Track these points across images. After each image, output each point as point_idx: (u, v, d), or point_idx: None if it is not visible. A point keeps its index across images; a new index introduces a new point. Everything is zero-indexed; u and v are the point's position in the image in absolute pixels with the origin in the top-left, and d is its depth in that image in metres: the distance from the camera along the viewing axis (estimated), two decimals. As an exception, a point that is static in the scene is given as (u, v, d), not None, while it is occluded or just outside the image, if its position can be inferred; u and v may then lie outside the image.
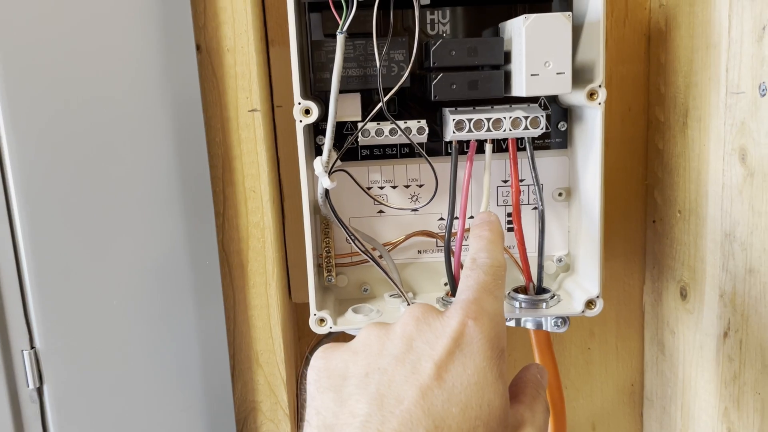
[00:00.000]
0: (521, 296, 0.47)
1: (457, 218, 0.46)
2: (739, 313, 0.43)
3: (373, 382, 0.28)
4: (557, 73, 0.41)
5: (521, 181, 0.49)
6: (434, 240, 0.50)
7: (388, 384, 0.28)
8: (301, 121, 0.42)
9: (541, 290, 0.47)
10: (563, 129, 0.48)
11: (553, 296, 0.47)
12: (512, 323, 0.48)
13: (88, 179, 0.40)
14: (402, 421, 0.26)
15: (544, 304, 0.46)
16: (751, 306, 0.41)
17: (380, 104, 0.42)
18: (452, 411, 0.27)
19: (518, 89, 0.42)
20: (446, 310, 0.31)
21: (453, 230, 0.46)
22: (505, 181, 0.49)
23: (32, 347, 0.42)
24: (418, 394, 0.27)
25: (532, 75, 0.41)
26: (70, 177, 0.40)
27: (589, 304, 0.45)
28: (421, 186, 0.49)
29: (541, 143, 0.48)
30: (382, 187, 0.49)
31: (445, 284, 0.50)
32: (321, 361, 0.30)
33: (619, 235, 0.56)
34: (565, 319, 0.47)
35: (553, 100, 0.47)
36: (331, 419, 0.28)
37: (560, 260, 0.50)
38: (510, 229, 0.50)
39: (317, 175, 0.42)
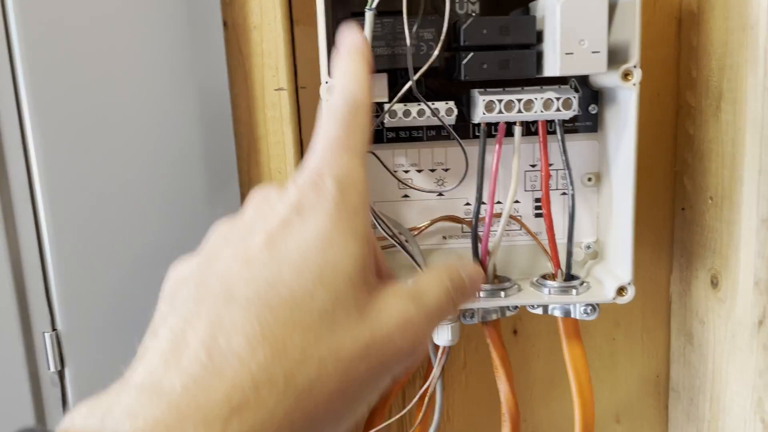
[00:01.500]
0: (550, 283, 0.46)
1: (484, 203, 0.45)
2: (777, 300, 0.42)
3: (196, 264, 0.25)
4: (592, 52, 0.40)
5: (550, 165, 0.48)
6: (460, 226, 0.49)
7: (209, 263, 0.24)
8: (327, 101, 0.41)
9: (569, 277, 0.46)
10: (594, 112, 0.47)
11: (583, 283, 0.46)
12: (539, 310, 0.47)
13: (111, 160, 0.39)
14: (221, 297, 0.22)
15: (574, 291, 0.45)
16: (790, 293, 0.40)
17: (409, 83, 0.41)
18: (283, 277, 0.22)
19: (552, 69, 0.41)
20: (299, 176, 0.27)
21: (480, 215, 0.45)
22: (533, 166, 0.48)
23: (54, 329, 0.41)
24: (241, 266, 0.23)
25: (566, 54, 0.40)
26: (93, 158, 0.39)
27: (621, 290, 0.44)
28: (446, 170, 0.48)
29: (570, 127, 0.47)
30: (407, 171, 0.48)
31: (471, 271, 0.49)
32: (168, 281, 0.26)
33: (646, 223, 0.55)
34: (594, 307, 0.46)
35: (583, 82, 0.46)
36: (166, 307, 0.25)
37: (588, 247, 0.49)
38: (538, 215, 0.49)
39: (345, 155, 0.41)
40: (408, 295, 0.25)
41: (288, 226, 0.24)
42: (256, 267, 0.23)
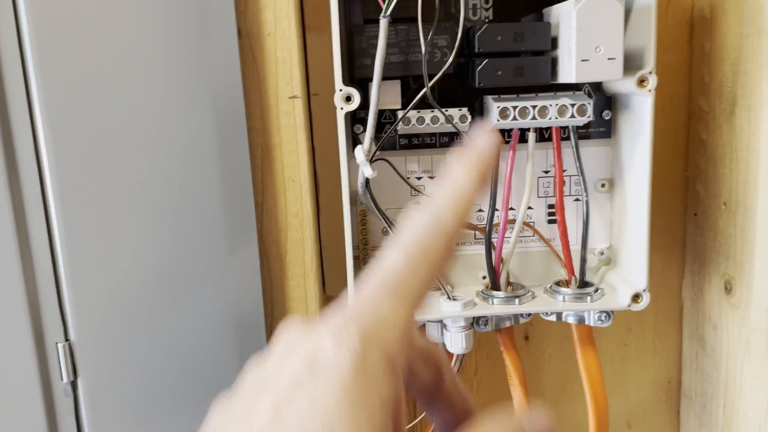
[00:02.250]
0: (564, 290, 0.45)
1: (497, 210, 0.45)
2: (794, 307, 0.42)
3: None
4: (608, 59, 0.40)
5: (563, 171, 0.47)
6: (472, 232, 0.49)
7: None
8: (342, 108, 0.40)
9: (584, 284, 0.46)
10: (607, 118, 0.47)
11: (597, 290, 0.45)
12: (553, 317, 0.47)
13: (125, 169, 0.39)
14: None
15: (589, 297, 0.45)
16: (807, 300, 0.40)
17: (424, 89, 0.40)
18: None
19: (567, 75, 0.40)
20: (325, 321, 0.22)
21: (494, 222, 0.45)
22: (546, 172, 0.48)
23: (66, 339, 0.41)
24: None
25: (582, 60, 0.39)
26: (107, 167, 0.39)
27: (636, 297, 0.44)
28: (459, 176, 0.47)
29: (583, 133, 0.47)
30: (419, 178, 0.47)
31: (483, 277, 0.48)
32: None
33: (658, 229, 0.55)
34: (609, 314, 0.45)
35: (597, 88, 0.46)
36: None
37: (602, 253, 0.49)
38: (551, 222, 0.48)
39: (359, 163, 0.40)
40: None
41: (297, 389, 0.21)
42: None
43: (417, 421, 0.50)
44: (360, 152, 0.40)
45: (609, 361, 0.57)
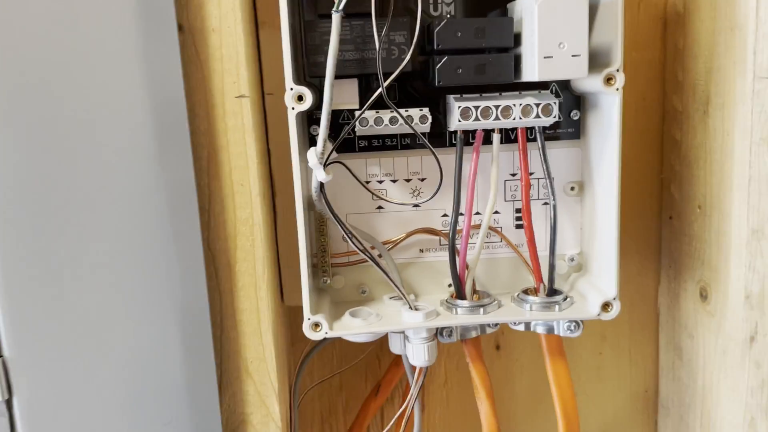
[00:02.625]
0: (532, 298, 0.43)
1: (462, 215, 0.43)
2: (769, 315, 0.40)
3: None
4: (572, 56, 0.38)
5: (530, 174, 0.45)
6: (437, 238, 0.46)
7: None
8: (293, 108, 0.38)
9: (552, 291, 0.44)
10: (576, 118, 0.45)
11: (566, 298, 0.43)
12: (521, 327, 0.45)
13: (60, 171, 0.37)
14: None
15: (557, 306, 0.43)
16: (783, 308, 0.38)
17: (380, 89, 0.38)
18: None
19: (530, 73, 0.38)
20: None
21: (458, 227, 0.43)
22: (513, 175, 0.46)
23: (0, 355, 0.38)
24: None
25: (545, 57, 0.37)
26: (41, 169, 0.37)
27: (606, 306, 0.42)
28: (423, 180, 0.45)
29: (551, 134, 0.45)
30: (381, 181, 0.45)
31: (449, 285, 0.46)
32: None
33: (632, 233, 0.53)
34: (578, 323, 0.43)
35: (564, 86, 0.44)
36: None
37: (572, 259, 0.47)
38: (519, 227, 0.46)
39: (311, 167, 0.38)
40: None
41: None
42: None
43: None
44: (312, 155, 0.38)
45: (584, 370, 0.55)
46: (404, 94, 0.44)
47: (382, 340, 0.53)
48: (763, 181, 0.39)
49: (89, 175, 0.37)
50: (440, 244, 0.47)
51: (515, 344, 0.54)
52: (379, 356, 0.53)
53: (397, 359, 0.51)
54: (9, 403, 0.39)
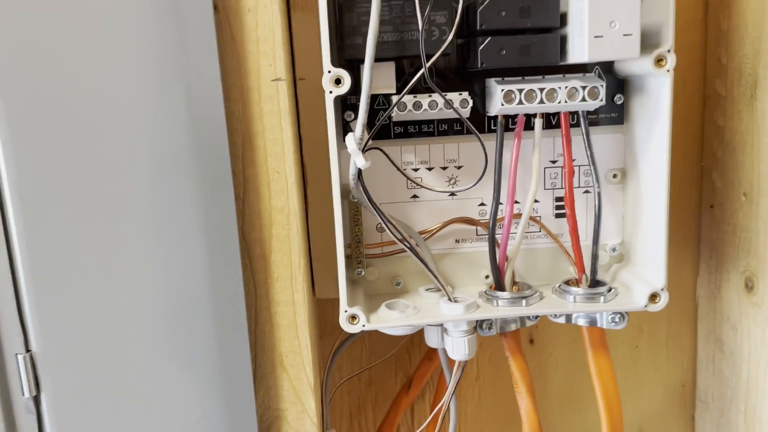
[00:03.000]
0: (575, 290, 0.42)
1: (501, 204, 0.41)
2: (827, 306, 0.38)
3: None
4: (624, 35, 0.36)
5: (573, 161, 0.44)
6: (474, 228, 0.45)
7: None
8: (331, 92, 0.37)
9: (595, 283, 0.42)
10: (619, 102, 0.43)
11: (611, 289, 0.42)
12: (562, 320, 0.44)
13: (90, 162, 0.35)
14: None
15: (602, 298, 0.41)
16: (843, 298, 0.37)
17: (421, 71, 0.37)
18: None
19: (578, 54, 0.37)
20: None
21: (497, 216, 0.42)
22: (553, 162, 0.44)
23: (27, 350, 0.37)
24: None
25: (595, 37, 0.36)
26: (69, 161, 0.35)
27: (653, 297, 0.40)
28: (459, 168, 0.44)
29: (593, 119, 0.43)
30: (416, 169, 0.44)
31: (486, 277, 0.45)
32: None
33: (671, 222, 0.51)
34: (623, 315, 0.42)
35: (608, 70, 0.42)
36: None
37: (614, 249, 0.45)
38: (559, 216, 0.45)
39: (350, 153, 0.37)
40: None
41: None
42: None
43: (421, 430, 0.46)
44: (351, 140, 0.36)
45: (619, 364, 0.53)
46: (440, 78, 0.42)
47: (413, 335, 0.52)
48: (821, 166, 0.37)
49: (123, 162, 0.35)
50: (477, 234, 0.45)
51: (549, 338, 0.53)
52: (409, 351, 0.52)
53: (430, 353, 0.49)
54: (37, 400, 0.38)
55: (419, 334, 0.44)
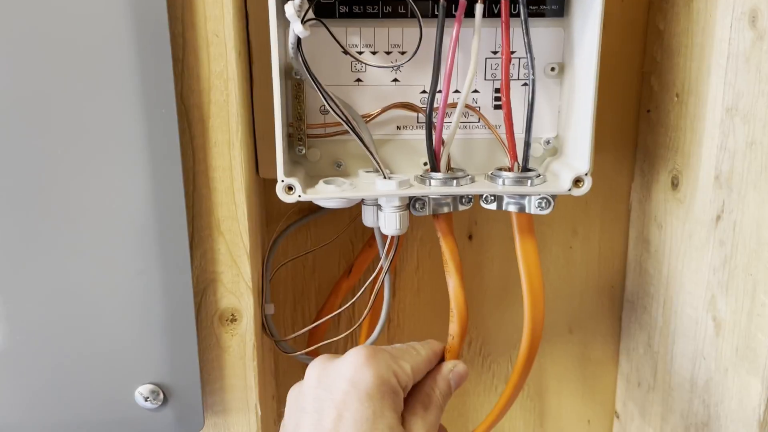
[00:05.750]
0: (505, 173, 0.43)
1: (440, 92, 0.43)
2: (736, 192, 0.40)
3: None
4: None
5: (512, 53, 0.45)
6: (415, 116, 0.46)
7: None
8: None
9: (526, 170, 0.44)
10: (560, -6, 0.44)
11: (539, 175, 0.44)
12: (493, 206, 0.45)
13: (27, 29, 0.36)
14: None
15: (529, 181, 0.43)
16: (750, 182, 0.39)
17: (361, -59, 0.37)
18: None
19: (515, -68, 0.37)
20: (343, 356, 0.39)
21: (435, 104, 0.43)
22: (495, 53, 0.45)
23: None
24: None
25: None
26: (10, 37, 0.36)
27: (577, 182, 0.42)
28: (403, 53, 0.45)
29: (535, 9, 0.44)
30: (360, 53, 0.45)
31: (425, 163, 0.46)
32: (295, 389, 0.40)
33: (609, 129, 0.53)
34: (549, 200, 0.44)
35: (551, -39, 0.43)
36: None
37: (548, 142, 0.47)
38: (497, 107, 0.46)
39: (288, 18, 0.37)
40: None
41: (349, 399, 0.36)
42: None
43: (354, 300, 0.49)
44: (290, 6, 0.37)
45: (553, 264, 0.56)
46: (387, -41, 0.43)
47: (356, 226, 0.53)
48: (741, 57, 0.39)
49: (58, 22, 0.36)
50: (418, 122, 0.46)
51: (487, 235, 0.55)
52: (352, 241, 0.54)
53: (370, 240, 0.51)
54: (-23, 248, 0.39)
55: (363, 226, 0.46)
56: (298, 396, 0.39)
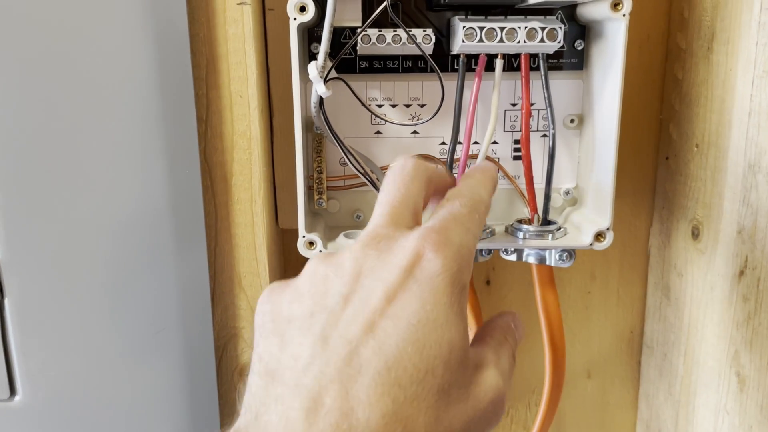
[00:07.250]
0: (525, 227, 0.43)
1: (460, 143, 0.43)
2: (759, 248, 0.40)
3: (318, 323, 0.25)
4: (581, -24, 0.37)
5: (531, 104, 0.45)
6: (435, 166, 0.46)
7: (334, 324, 0.24)
8: (295, 19, 0.38)
9: (546, 222, 0.44)
10: (580, 48, 0.44)
11: (560, 228, 0.43)
12: (513, 257, 0.45)
13: (54, 82, 0.36)
14: (348, 362, 0.23)
15: (550, 235, 0.43)
16: (774, 240, 0.39)
17: (384, 4, 0.38)
18: (407, 350, 0.23)
19: (537, -7, 0.38)
20: (404, 236, 0.27)
21: (456, 156, 0.43)
22: (514, 105, 0.46)
23: (-8, 258, 0.38)
24: (367, 332, 0.24)
25: (553, -24, 0.37)
26: (35, 83, 0.36)
27: (599, 236, 0.42)
28: (422, 106, 0.45)
29: (554, 63, 0.44)
30: (380, 105, 0.45)
31: (444, 214, 0.46)
32: (266, 305, 0.27)
33: (628, 174, 0.53)
34: (570, 253, 0.44)
35: (570, 16, 0.43)
36: (274, 364, 0.24)
37: (568, 193, 0.47)
38: (517, 158, 0.46)
39: (311, 80, 0.38)
40: (495, 367, 0.27)
41: (405, 291, 0.25)
42: (381, 337, 0.24)
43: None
44: (313, 68, 0.38)
45: (571, 308, 0.56)
46: (407, 16, 0.43)
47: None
48: (764, 114, 0.39)
49: (86, 82, 0.36)
50: (437, 173, 0.46)
51: (505, 280, 0.55)
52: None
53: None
54: (0, 305, 0.39)
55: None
56: None
